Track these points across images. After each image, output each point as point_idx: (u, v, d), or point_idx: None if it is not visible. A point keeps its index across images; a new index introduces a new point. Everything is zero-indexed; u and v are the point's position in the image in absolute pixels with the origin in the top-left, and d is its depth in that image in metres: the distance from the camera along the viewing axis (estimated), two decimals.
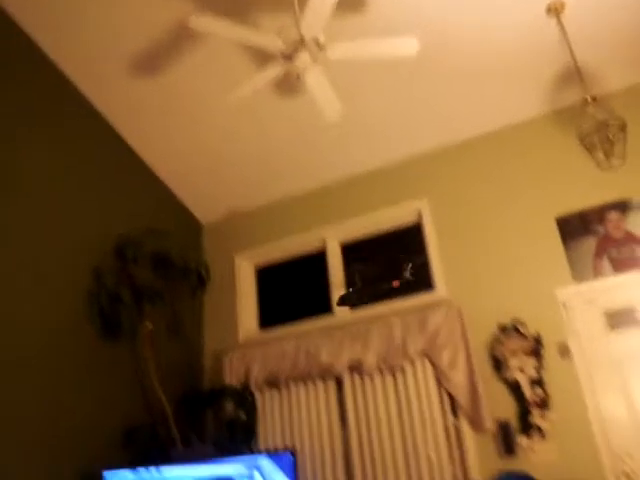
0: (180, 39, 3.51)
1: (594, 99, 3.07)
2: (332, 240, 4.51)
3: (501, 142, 4.16)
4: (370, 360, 3.80)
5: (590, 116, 3.07)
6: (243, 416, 3.91)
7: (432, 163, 4.33)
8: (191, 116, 4.07)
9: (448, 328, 3.70)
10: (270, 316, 4.62)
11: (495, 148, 4.16)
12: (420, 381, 3.69)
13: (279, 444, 3.83)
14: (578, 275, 3.65)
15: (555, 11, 3.19)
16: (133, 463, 3.31)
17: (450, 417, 3.60)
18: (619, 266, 3.59)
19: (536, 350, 3.50)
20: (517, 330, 3.58)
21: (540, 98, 3.92)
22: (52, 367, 3.18)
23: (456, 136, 4.24)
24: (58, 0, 3.30)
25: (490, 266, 3.87)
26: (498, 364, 3.58)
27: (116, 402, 3.58)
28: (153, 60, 3.64)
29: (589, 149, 3.79)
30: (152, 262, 4.11)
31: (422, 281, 4.09)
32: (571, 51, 3.23)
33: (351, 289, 4.04)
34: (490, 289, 3.81)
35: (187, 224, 4.88)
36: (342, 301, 3.99)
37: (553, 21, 3.30)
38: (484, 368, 3.61)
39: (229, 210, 4.90)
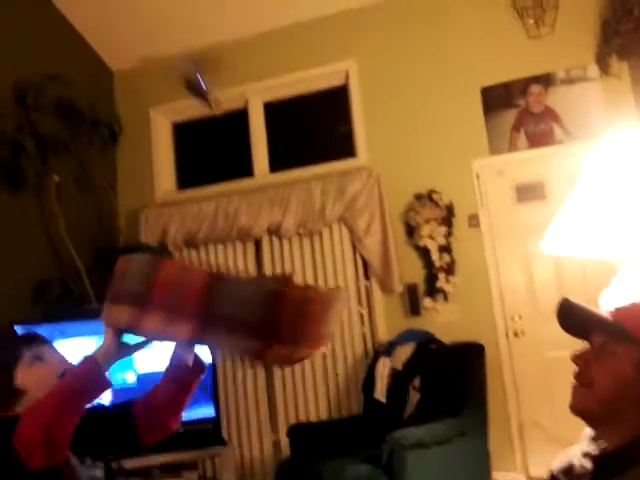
0: None
1: None
2: (255, 98, 4.30)
3: (433, 4, 3.94)
4: (289, 223, 3.82)
5: None
6: None
7: (360, 22, 4.06)
8: None
9: (366, 195, 3.74)
10: (188, 176, 4.47)
11: (426, 10, 3.94)
12: (336, 245, 3.79)
13: None
14: (495, 148, 3.74)
15: None
16: (45, 318, 3.26)
17: (362, 280, 3.77)
18: (534, 141, 3.68)
19: (447, 219, 3.64)
20: (431, 199, 3.68)
21: None
22: None
23: None
24: None
25: (412, 136, 3.86)
26: (411, 231, 3.72)
27: (23, 256, 3.44)
28: None
29: (520, 15, 3.71)
30: (57, 110, 3.77)
31: (344, 148, 4.04)
32: None
33: None
34: (410, 159, 3.82)
35: (97, 71, 4.45)
36: None
37: None
38: (398, 235, 3.74)
39: (143, 57, 4.47)
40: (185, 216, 4.05)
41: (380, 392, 3.06)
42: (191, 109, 4.44)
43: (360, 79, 4.04)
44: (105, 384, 1.31)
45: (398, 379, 3.11)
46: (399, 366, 3.16)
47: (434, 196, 3.69)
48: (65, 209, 3.69)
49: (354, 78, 4.05)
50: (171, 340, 1.29)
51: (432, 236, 3.64)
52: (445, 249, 3.62)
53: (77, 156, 3.92)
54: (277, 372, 3.76)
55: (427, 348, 3.23)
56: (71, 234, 3.67)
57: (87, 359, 1.29)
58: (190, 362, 1.38)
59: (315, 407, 3.64)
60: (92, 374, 1.28)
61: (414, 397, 2.95)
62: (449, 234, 3.63)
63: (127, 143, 4.36)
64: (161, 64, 4.44)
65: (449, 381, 2.90)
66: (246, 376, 3.78)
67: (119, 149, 4.40)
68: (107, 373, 1.30)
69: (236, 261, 3.97)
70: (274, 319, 1.14)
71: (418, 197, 3.72)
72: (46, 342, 1.54)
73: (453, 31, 3.88)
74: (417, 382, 3.00)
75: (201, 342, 1.26)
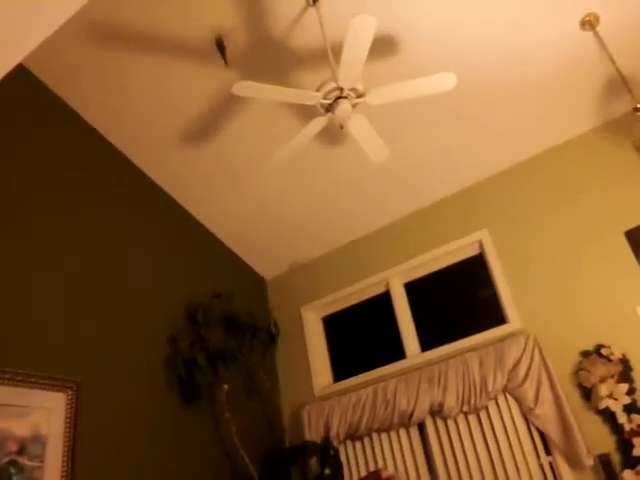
0: (226, 106, 3.69)
1: None
2: (395, 282, 4.46)
3: (554, 161, 4.03)
4: (451, 402, 3.66)
5: None
6: (328, 472, 3.82)
7: (488, 192, 4.25)
8: (243, 177, 4.22)
9: (527, 360, 3.53)
10: (343, 365, 4.57)
11: (549, 168, 4.04)
12: (506, 419, 3.52)
13: None
14: None
15: (590, 24, 3.15)
16: None
17: (544, 455, 3.40)
18: None
19: (625, 373, 3.27)
20: (601, 354, 3.37)
21: (589, 112, 3.81)
22: (141, 439, 3.25)
23: (509, 161, 4.17)
24: (110, 89, 3.57)
25: (562, 290, 3.70)
26: (587, 393, 3.37)
27: (199, 464, 3.58)
28: (202, 128, 3.83)
29: None
30: (222, 323, 4.20)
31: (493, 314, 3.95)
32: (613, 61, 3.16)
33: None
34: (566, 314, 3.63)
35: (251, 282, 4.98)
36: None
37: (589, 34, 3.26)
38: (572, 399, 3.40)
39: (290, 263, 4.98)
40: (345, 407, 4.05)
41: None
42: (337, 302, 4.71)
43: (495, 244, 4.07)
44: None
45: None
46: None
47: (603, 351, 3.38)
48: (235, 414, 3.88)
49: (489, 245, 4.09)
50: None
51: (613, 396, 3.26)
52: (632, 408, 3.21)
53: (242, 362, 4.22)
54: None
55: None
56: (241, 438, 3.81)
57: None
58: None
59: None
60: None
61: None
62: (632, 390, 3.24)
63: (283, 341, 4.65)
64: (306, 266, 4.89)
65: None
66: None
67: (277, 349, 4.68)
68: None
69: (401, 449, 3.81)
70: None
71: (585, 354, 3.43)
72: None
73: (583, 183, 3.86)
74: None
75: None
